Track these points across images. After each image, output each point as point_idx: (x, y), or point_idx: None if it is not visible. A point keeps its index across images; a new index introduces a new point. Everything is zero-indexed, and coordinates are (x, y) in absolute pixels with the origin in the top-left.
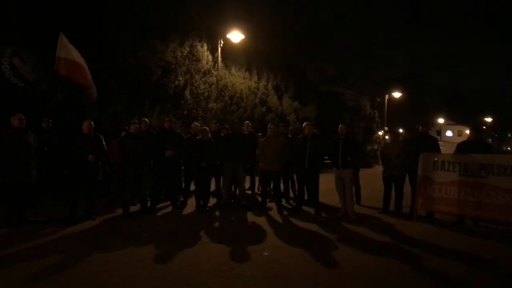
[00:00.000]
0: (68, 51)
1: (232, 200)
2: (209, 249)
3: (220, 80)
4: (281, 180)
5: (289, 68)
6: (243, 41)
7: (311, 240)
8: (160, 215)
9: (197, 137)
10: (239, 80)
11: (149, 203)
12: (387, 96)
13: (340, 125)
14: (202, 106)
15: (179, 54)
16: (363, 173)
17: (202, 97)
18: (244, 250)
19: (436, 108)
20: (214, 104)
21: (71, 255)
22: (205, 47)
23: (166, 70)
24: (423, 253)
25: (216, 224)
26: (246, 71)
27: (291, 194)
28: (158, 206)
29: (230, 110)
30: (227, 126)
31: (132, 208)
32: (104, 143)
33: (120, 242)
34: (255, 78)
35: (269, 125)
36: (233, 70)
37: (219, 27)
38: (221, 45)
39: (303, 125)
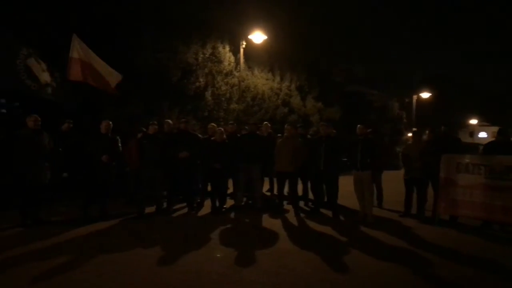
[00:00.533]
0: (81, 51)
1: (250, 202)
2: (217, 252)
3: (242, 81)
4: (300, 182)
5: (313, 68)
6: (266, 42)
7: (324, 244)
8: (175, 216)
9: (212, 138)
10: (261, 81)
11: (165, 204)
12: (415, 97)
13: (358, 125)
14: (224, 108)
15: (201, 55)
16: (389, 175)
17: (223, 99)
18: (252, 254)
19: (469, 108)
20: (236, 105)
21: (77, 255)
22: (227, 48)
23: (186, 71)
24: (442, 260)
25: (229, 226)
26: (269, 72)
27: (311, 196)
28: (175, 207)
29: (252, 111)
30: (246, 128)
31: (149, 209)
32: (120, 144)
33: (129, 243)
34: (278, 79)
35: (286, 126)
36: (255, 71)
37: (241, 28)
38: (243, 46)
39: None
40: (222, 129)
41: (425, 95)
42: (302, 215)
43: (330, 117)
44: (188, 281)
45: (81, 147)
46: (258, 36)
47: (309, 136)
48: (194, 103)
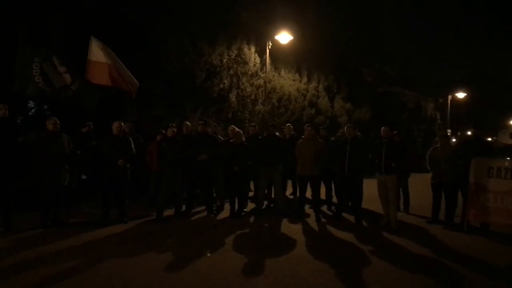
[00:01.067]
0: (99, 53)
1: (272, 205)
2: (228, 258)
3: (269, 83)
4: (323, 185)
5: (342, 68)
6: (293, 42)
7: (342, 252)
8: (193, 219)
9: (231, 140)
10: (288, 82)
11: (184, 207)
12: (450, 97)
13: (383, 127)
14: (249, 109)
15: (226, 57)
16: (419, 178)
17: (248, 100)
18: (264, 261)
19: (510, 108)
20: (261, 106)
21: (89, 258)
22: (253, 50)
23: (210, 73)
24: (468, 271)
25: (246, 231)
26: (296, 73)
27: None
28: (195, 210)
29: (278, 113)
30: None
31: (169, 212)
32: (133, 145)
33: (142, 247)
34: (305, 79)
35: (305, 127)
36: (282, 72)
37: (268, 28)
38: (270, 47)
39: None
40: (241, 131)
41: (461, 95)
42: (323, 220)
43: (359, 118)
44: None
45: (97, 149)
46: (284, 37)
47: (332, 138)
48: (218, 105)
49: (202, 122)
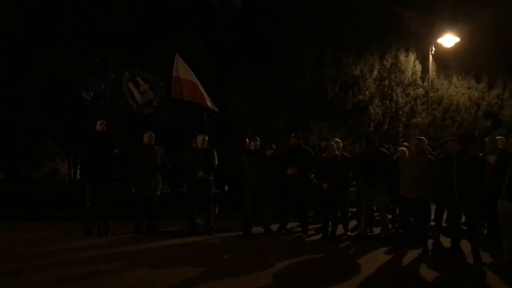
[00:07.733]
0: (184, 71)
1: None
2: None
3: (434, 92)
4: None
5: None
6: (461, 44)
7: None
8: (280, 238)
9: (324, 155)
10: (461, 90)
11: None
12: None
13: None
14: (404, 122)
15: (378, 66)
16: None
17: (401, 112)
18: None
19: None
20: (419, 119)
21: (125, 267)
22: (412, 57)
23: (348, 84)
24: None
25: (313, 257)
26: (472, 79)
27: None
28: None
29: (443, 126)
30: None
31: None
32: (216, 157)
33: (188, 260)
34: (482, 86)
35: (412, 140)
36: (454, 79)
37: (429, 31)
38: (433, 52)
39: None
40: (334, 145)
41: None
42: (430, 253)
43: None
44: None
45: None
46: (449, 39)
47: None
48: (356, 118)
49: (294, 134)
